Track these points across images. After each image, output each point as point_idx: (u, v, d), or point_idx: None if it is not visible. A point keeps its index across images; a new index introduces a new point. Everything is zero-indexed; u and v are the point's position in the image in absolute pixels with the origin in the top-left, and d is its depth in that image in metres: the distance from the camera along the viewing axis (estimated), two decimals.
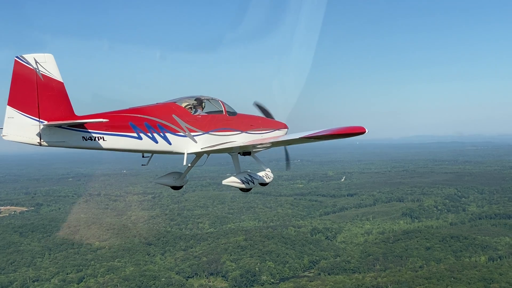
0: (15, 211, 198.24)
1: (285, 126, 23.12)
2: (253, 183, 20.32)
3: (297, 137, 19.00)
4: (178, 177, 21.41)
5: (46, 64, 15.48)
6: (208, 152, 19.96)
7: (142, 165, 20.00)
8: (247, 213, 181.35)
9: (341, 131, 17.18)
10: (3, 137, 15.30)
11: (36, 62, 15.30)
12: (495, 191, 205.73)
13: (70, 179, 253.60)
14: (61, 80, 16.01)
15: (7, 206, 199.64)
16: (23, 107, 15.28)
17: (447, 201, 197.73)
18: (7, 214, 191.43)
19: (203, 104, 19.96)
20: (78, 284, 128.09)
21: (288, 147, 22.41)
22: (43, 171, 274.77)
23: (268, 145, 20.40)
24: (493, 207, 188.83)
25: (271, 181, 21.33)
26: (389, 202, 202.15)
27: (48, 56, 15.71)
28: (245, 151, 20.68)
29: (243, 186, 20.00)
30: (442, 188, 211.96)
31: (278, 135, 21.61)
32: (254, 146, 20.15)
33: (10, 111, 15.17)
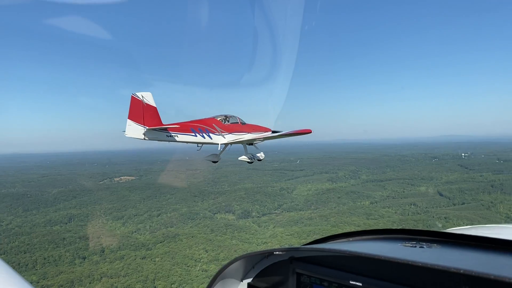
0: (128, 179, 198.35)
1: (269, 130, 22.56)
2: (254, 159, 21.03)
3: (275, 135, 20.72)
4: (216, 156, 21.36)
5: (147, 97, 16.39)
6: (231, 143, 20.47)
7: (197, 150, 19.78)
8: (248, 179, 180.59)
9: (297, 132, 17.92)
10: (125, 135, 15.99)
11: (142, 96, 16.26)
12: (375, 167, 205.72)
13: (159, 162, 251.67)
14: (155, 106, 16.75)
15: (125, 176, 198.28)
16: (136, 119, 16.17)
17: (351, 173, 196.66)
18: (125, 181, 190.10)
19: (228, 118, 20.53)
20: (157, 217, 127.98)
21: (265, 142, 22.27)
22: (145, 158, 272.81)
23: (262, 140, 21.20)
24: (374, 176, 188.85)
25: (263, 159, 21.67)
26: (320, 173, 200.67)
27: (148, 93, 16.54)
28: (250, 143, 21.38)
29: (249, 160, 20.71)
30: (348, 166, 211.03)
31: (266, 134, 21.55)
32: (254, 140, 21.01)
33: (129, 121, 16.03)
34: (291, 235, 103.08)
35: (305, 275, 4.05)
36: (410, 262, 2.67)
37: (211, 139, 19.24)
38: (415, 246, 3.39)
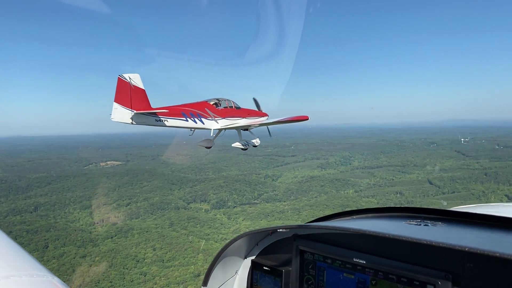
0: (113, 164, 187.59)
1: (266, 115, 21.25)
2: (248, 145, 19.85)
3: (271, 121, 19.38)
4: (209, 141, 19.70)
5: (135, 79, 14.99)
6: (225, 129, 19.06)
7: (189, 135, 18.50)
8: (235, 166, 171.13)
9: (293, 118, 16.87)
10: (111, 119, 14.61)
11: (130, 78, 14.87)
12: (369, 153, 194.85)
13: (154, 146, 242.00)
14: (143, 88, 15.38)
15: (112, 161, 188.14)
16: (123, 102, 14.71)
17: (342, 159, 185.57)
18: (110, 166, 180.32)
19: (222, 102, 18.93)
20: (125, 207, 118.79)
21: (270, 127, 20.87)
22: (141, 142, 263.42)
23: (257, 125, 19.80)
24: (366, 162, 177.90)
25: (258, 144, 20.42)
26: (312, 159, 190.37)
27: (136, 75, 15.18)
28: (245, 129, 19.99)
29: (243, 147, 19.61)
30: (342, 151, 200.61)
31: (262, 120, 20.32)
32: (249, 125, 19.65)
33: (115, 105, 14.61)
34: None
35: (308, 252, 4.04)
36: (415, 240, 2.67)
37: (203, 124, 17.59)
38: (420, 224, 3.39)
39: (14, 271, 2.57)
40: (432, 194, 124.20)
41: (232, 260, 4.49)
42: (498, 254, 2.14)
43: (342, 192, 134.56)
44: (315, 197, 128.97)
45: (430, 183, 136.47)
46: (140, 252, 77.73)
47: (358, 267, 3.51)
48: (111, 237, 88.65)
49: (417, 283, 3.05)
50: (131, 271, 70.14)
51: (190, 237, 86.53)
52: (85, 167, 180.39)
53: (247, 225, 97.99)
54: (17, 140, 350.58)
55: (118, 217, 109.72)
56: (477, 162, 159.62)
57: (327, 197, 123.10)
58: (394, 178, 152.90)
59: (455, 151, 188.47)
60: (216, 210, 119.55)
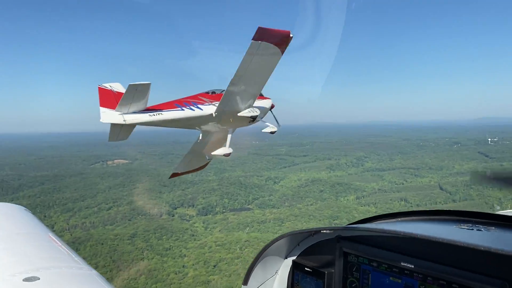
0: (120, 163, 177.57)
1: (269, 98, 15.62)
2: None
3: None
4: (225, 149, 14.14)
5: (117, 87, 12.46)
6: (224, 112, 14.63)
7: (198, 141, 14.70)
8: (240, 167, 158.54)
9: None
10: (101, 121, 12.32)
11: (111, 86, 12.56)
12: (386, 153, 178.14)
13: (171, 143, 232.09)
14: None
15: (119, 159, 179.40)
16: (109, 106, 12.16)
17: (355, 160, 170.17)
18: (116, 164, 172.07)
19: (216, 91, 14.37)
20: (106, 211, 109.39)
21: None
22: (166, 139, 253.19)
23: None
24: (379, 164, 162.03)
25: (275, 131, 14.59)
26: (323, 160, 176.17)
27: (117, 84, 12.73)
28: (251, 119, 14.74)
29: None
30: (357, 151, 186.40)
31: (263, 104, 15.05)
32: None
33: (102, 109, 12.05)
34: (221, 245, 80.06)
35: (352, 254, 3.87)
36: (472, 246, 2.47)
37: (201, 110, 13.91)
38: (472, 229, 3.22)
39: (54, 262, 2.70)
40: (440, 202, 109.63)
41: (272, 259, 4.32)
42: None
43: (342, 199, 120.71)
44: (310, 204, 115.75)
45: (441, 188, 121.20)
46: None
47: (406, 271, 3.32)
48: None
49: None
50: None
51: (144, 253, 75.30)
52: (91, 166, 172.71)
53: (218, 238, 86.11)
54: (45, 137, 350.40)
55: (92, 223, 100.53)
56: (501, 165, 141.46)
57: (320, 205, 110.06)
58: (404, 182, 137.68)
59: (479, 152, 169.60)
60: (199, 216, 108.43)
